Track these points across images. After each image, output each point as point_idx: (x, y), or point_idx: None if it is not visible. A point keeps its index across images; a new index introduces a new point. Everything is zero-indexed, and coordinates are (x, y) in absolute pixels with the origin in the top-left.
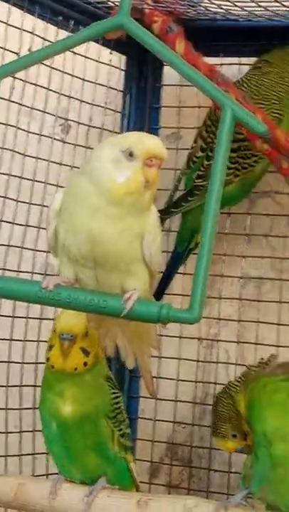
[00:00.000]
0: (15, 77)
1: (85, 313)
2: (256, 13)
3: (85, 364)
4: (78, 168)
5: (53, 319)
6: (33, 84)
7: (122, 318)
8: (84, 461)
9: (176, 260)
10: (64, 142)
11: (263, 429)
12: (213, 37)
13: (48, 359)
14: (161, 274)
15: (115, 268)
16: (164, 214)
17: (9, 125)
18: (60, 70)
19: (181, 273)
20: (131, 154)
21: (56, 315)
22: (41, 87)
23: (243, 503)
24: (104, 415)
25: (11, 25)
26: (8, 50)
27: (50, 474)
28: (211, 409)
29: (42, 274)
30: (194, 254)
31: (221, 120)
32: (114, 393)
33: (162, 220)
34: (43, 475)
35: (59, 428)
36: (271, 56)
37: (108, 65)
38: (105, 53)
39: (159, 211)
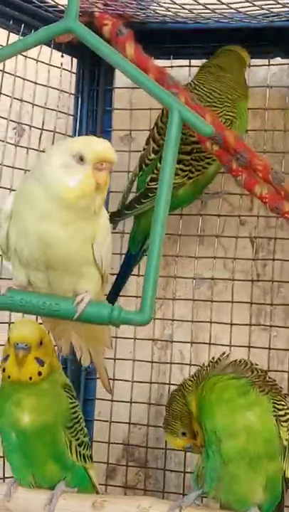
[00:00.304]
0: None
1: (39, 319)
2: (204, 15)
3: (40, 374)
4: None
5: (7, 323)
6: None
7: (75, 321)
8: (43, 470)
9: (129, 262)
10: (17, 146)
11: (212, 427)
12: (162, 39)
13: (3, 369)
14: (115, 276)
15: (67, 271)
16: (117, 216)
17: None
18: (11, 74)
19: (135, 275)
20: (81, 158)
21: (12, 319)
22: None
23: (197, 502)
24: (63, 425)
25: None
26: None
27: (7, 478)
28: (165, 405)
29: None
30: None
31: (168, 122)
32: (72, 403)
33: (115, 222)
34: (0, 478)
35: (18, 438)
36: (222, 61)
37: (60, 68)
38: (57, 56)
39: (112, 213)
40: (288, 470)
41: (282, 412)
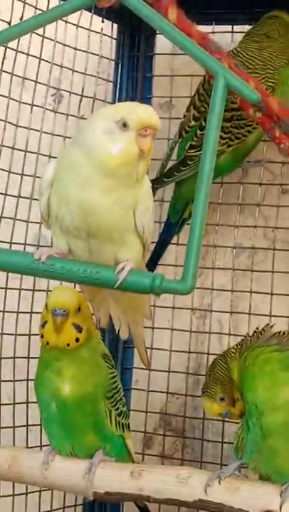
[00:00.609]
0: (6, 47)
1: (78, 286)
2: None
3: (77, 340)
4: (70, 138)
5: (45, 290)
6: (25, 53)
7: (116, 290)
8: (82, 440)
9: (169, 230)
10: (56, 112)
11: (253, 400)
12: (205, 5)
13: (42, 336)
14: (154, 244)
15: (108, 239)
16: (157, 184)
17: (0, 95)
18: (51, 39)
19: (174, 243)
20: (124, 125)
21: (50, 287)
22: (33, 56)
23: (236, 473)
24: (103, 395)
25: None
26: None
27: (44, 446)
28: (206, 371)
29: (35, 245)
30: (188, 224)
31: (213, 88)
32: (111, 372)
33: (155, 190)
34: (37, 446)
35: (59, 408)
36: (268, 29)
37: (100, 33)
38: (97, 22)
39: (152, 181)
40: None
41: None
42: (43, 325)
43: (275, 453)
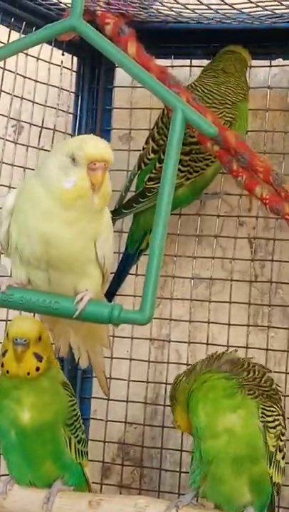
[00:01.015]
0: None
1: (38, 315)
2: (207, 15)
3: (38, 369)
4: (31, 169)
5: (5, 320)
6: None
7: (75, 320)
8: (41, 468)
9: (127, 261)
10: (16, 143)
11: (196, 424)
12: (164, 39)
13: (2, 364)
14: (113, 274)
15: (69, 270)
16: (116, 215)
17: None
18: (12, 71)
19: (133, 274)
20: (74, 160)
21: (11, 317)
22: None
23: (193, 502)
24: (63, 422)
25: None
26: None
27: (3, 476)
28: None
29: None
30: (145, 255)
31: (171, 122)
32: (71, 400)
33: (114, 221)
34: None
35: (18, 436)
36: (224, 64)
37: (60, 66)
38: (57, 54)
39: (111, 212)
40: (275, 475)
41: (270, 419)
42: (3, 354)
43: (218, 480)
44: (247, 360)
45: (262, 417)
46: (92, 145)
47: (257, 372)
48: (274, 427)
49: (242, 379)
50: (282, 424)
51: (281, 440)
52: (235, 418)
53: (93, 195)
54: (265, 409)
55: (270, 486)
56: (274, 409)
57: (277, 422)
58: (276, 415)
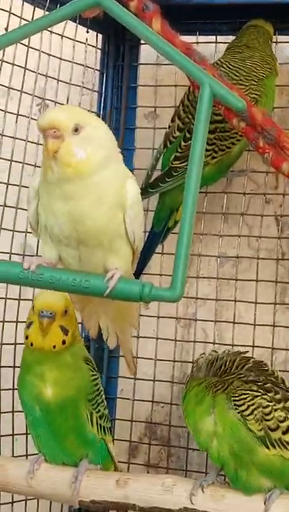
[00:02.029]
0: None
1: (69, 295)
2: None
3: (64, 342)
4: None
5: (31, 300)
6: (10, 63)
7: (105, 298)
8: (66, 444)
9: (153, 239)
10: None
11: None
12: (189, 15)
13: (26, 336)
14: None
15: (99, 246)
16: (142, 194)
17: None
18: (37, 50)
19: (159, 253)
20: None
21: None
22: (18, 66)
23: (218, 479)
24: (84, 397)
25: None
26: None
27: (30, 455)
28: None
29: (20, 254)
30: (172, 233)
31: (199, 97)
32: (93, 375)
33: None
34: (23, 456)
35: (42, 411)
36: (248, 39)
37: (85, 43)
38: (82, 32)
39: None
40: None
41: (243, 407)
42: (28, 326)
43: (233, 478)
44: (214, 354)
45: (235, 408)
46: (41, 116)
47: (229, 361)
48: (251, 413)
49: (210, 378)
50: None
51: (270, 418)
52: (212, 420)
53: (54, 164)
54: (235, 399)
55: (286, 465)
56: (245, 396)
57: (254, 406)
58: (249, 401)
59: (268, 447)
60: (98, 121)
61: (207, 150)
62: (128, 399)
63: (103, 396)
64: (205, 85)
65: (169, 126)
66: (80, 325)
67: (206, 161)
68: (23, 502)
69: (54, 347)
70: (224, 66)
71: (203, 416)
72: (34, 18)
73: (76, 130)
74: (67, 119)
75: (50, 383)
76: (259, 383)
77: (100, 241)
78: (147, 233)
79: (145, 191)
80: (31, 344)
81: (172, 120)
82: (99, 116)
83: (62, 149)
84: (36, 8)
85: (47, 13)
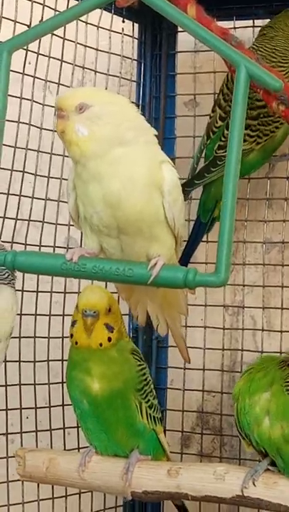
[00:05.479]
0: (27, 50)
1: (111, 285)
2: None
3: (110, 339)
4: None
5: (77, 293)
6: (47, 56)
7: (149, 286)
8: (116, 435)
9: (199, 230)
10: None
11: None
12: (224, 0)
13: (71, 335)
14: (185, 244)
15: (139, 233)
16: (188, 186)
17: (24, 98)
18: (72, 41)
19: (204, 241)
20: None
21: (81, 289)
22: (55, 59)
23: (271, 468)
24: (133, 388)
25: None
26: (19, 22)
27: (82, 448)
28: None
29: (64, 247)
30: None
31: (235, 79)
32: (140, 365)
33: (187, 193)
34: (74, 449)
35: (90, 405)
36: (274, 22)
37: (121, 33)
38: (118, 22)
39: (182, 184)
40: None
41: None
42: (72, 324)
43: (278, 459)
44: None
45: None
46: (57, 97)
47: None
48: None
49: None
50: None
51: None
52: (268, 396)
53: (71, 143)
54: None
55: None
56: None
57: None
58: None
59: None
60: (112, 99)
61: (251, 136)
62: (178, 389)
63: (152, 386)
64: (241, 67)
65: (210, 117)
66: (127, 316)
67: (250, 148)
68: (77, 495)
69: (101, 345)
70: (261, 50)
71: (259, 391)
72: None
73: (81, 109)
74: (71, 99)
75: (97, 378)
76: None
77: (140, 228)
78: (192, 222)
79: (191, 184)
80: (76, 343)
81: (213, 110)
82: (138, 107)
83: (66, 129)
84: (70, 1)
85: (79, 2)
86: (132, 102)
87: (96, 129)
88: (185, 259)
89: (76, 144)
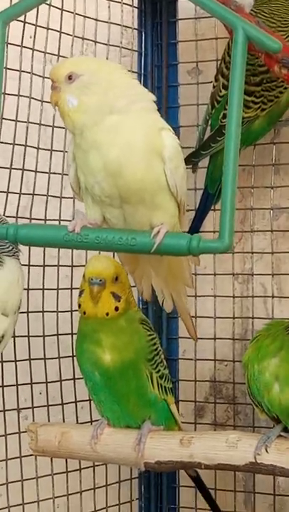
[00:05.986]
0: (25, 22)
1: (117, 258)
2: None
3: (116, 309)
4: None
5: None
6: (45, 28)
7: (153, 254)
8: (128, 406)
9: (207, 201)
10: None
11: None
12: None
13: (79, 305)
14: (193, 215)
15: (141, 202)
16: (195, 157)
17: (24, 71)
18: (71, 12)
19: (212, 210)
20: None
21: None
22: (54, 30)
23: (283, 434)
24: (144, 358)
25: None
26: None
27: (94, 421)
28: None
29: (69, 220)
30: None
31: (233, 42)
32: (150, 335)
33: (194, 163)
34: (87, 422)
35: (102, 377)
36: None
37: (120, 3)
38: None
39: (189, 155)
40: None
41: None
42: (80, 294)
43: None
44: None
45: None
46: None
47: None
48: None
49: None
50: None
51: None
52: (277, 361)
53: (65, 113)
54: None
55: None
56: None
57: None
58: None
59: None
60: (101, 67)
61: (256, 103)
62: (190, 359)
63: (162, 356)
64: (238, 29)
65: (214, 86)
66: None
67: (255, 114)
68: (91, 469)
69: (107, 314)
70: (261, 14)
71: (267, 357)
72: None
73: (70, 78)
74: (61, 69)
75: (107, 349)
76: None
77: (142, 196)
78: (197, 191)
79: (198, 155)
80: (84, 312)
81: (216, 79)
82: (140, 76)
83: (59, 100)
84: None
85: None
86: (134, 72)
87: (85, 98)
88: (194, 230)
89: (68, 115)
